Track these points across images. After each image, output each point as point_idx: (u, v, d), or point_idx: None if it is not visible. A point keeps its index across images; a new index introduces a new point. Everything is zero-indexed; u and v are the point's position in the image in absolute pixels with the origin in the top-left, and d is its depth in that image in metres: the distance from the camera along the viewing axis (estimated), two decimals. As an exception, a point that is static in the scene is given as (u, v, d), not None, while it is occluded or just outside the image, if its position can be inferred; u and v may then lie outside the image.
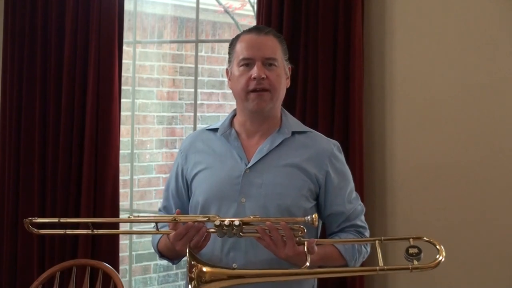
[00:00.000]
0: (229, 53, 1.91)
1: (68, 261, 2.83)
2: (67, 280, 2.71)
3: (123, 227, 3.56)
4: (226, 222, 1.66)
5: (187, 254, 1.60)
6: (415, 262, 1.60)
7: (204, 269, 1.60)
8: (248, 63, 1.83)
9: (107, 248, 3.25)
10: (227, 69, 1.93)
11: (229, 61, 1.91)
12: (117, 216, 3.30)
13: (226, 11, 4.14)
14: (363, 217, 1.95)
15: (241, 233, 1.68)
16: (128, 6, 3.52)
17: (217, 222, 1.67)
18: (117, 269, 3.24)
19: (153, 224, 1.78)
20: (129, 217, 1.87)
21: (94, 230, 1.79)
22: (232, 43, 1.89)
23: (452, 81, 2.78)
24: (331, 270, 1.77)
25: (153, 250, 2.02)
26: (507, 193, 2.70)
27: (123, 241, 3.63)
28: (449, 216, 2.77)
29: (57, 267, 2.69)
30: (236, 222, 1.66)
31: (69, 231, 1.87)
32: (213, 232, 1.71)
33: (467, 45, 2.75)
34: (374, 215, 2.85)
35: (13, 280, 3.40)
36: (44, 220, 1.84)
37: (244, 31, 1.91)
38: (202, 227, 1.70)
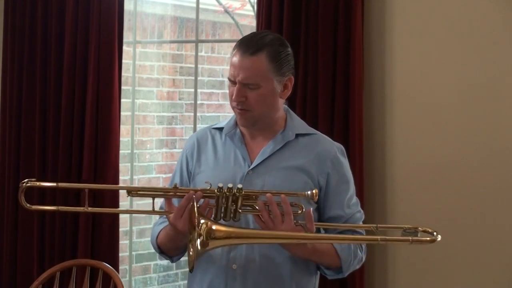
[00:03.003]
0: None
1: (68, 261, 2.83)
2: (67, 280, 2.71)
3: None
4: (230, 185, 1.68)
5: (195, 210, 1.58)
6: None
7: (214, 227, 1.60)
8: (232, 81, 1.82)
9: (107, 248, 3.26)
10: None
11: None
12: (118, 217, 3.31)
13: (226, 11, 4.13)
14: (361, 224, 1.94)
15: (239, 210, 1.69)
16: (128, 6, 3.52)
17: (220, 184, 1.68)
18: (117, 269, 3.25)
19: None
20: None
21: (89, 207, 1.81)
22: (232, 50, 1.86)
23: (452, 81, 2.78)
24: (334, 236, 1.79)
25: (153, 250, 2.01)
26: (507, 193, 2.70)
27: (123, 241, 3.63)
28: (449, 216, 2.77)
29: (57, 267, 2.69)
30: (239, 185, 1.68)
31: (61, 208, 1.87)
32: (211, 206, 1.70)
33: (467, 45, 2.75)
34: (374, 215, 2.85)
35: (13, 280, 3.40)
36: (42, 184, 1.81)
37: (241, 40, 1.86)
38: (203, 200, 1.70)
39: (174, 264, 4.14)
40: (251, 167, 1.85)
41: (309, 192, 1.70)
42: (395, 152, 2.87)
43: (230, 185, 1.68)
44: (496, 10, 2.70)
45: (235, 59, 1.80)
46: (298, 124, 1.94)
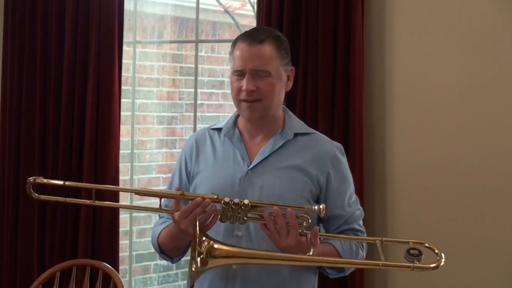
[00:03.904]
0: (230, 56, 1.90)
1: (68, 261, 2.83)
2: (67, 280, 2.71)
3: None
4: (236, 200, 1.68)
5: (197, 229, 1.58)
6: (416, 263, 1.60)
7: (216, 245, 1.60)
8: (240, 73, 1.83)
9: (107, 248, 3.26)
10: None
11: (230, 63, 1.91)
12: (118, 217, 3.31)
13: (226, 11, 4.13)
14: (361, 222, 1.95)
15: (245, 217, 1.69)
16: (128, 6, 3.52)
17: (227, 199, 1.68)
18: (117, 269, 3.24)
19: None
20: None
21: (96, 201, 1.82)
22: (232, 46, 1.88)
23: (452, 81, 2.78)
24: (335, 260, 1.78)
25: (153, 250, 2.01)
26: (507, 193, 2.70)
27: (123, 241, 3.63)
28: (449, 216, 2.77)
29: (57, 267, 2.69)
30: (246, 202, 1.68)
31: (69, 199, 1.89)
32: (217, 212, 1.71)
33: (467, 45, 2.75)
34: (374, 215, 2.85)
35: (13, 280, 3.40)
36: (49, 181, 1.84)
37: (242, 34, 1.88)
38: (210, 205, 1.71)
39: (174, 264, 4.15)
40: (250, 166, 1.86)
41: (316, 207, 1.69)
42: (395, 152, 2.87)
43: (236, 200, 1.68)
44: (496, 10, 2.70)
45: (240, 51, 1.82)
46: (297, 124, 1.94)
